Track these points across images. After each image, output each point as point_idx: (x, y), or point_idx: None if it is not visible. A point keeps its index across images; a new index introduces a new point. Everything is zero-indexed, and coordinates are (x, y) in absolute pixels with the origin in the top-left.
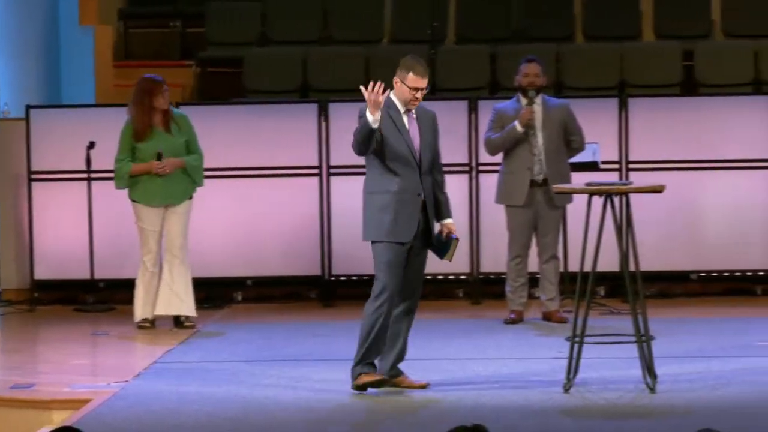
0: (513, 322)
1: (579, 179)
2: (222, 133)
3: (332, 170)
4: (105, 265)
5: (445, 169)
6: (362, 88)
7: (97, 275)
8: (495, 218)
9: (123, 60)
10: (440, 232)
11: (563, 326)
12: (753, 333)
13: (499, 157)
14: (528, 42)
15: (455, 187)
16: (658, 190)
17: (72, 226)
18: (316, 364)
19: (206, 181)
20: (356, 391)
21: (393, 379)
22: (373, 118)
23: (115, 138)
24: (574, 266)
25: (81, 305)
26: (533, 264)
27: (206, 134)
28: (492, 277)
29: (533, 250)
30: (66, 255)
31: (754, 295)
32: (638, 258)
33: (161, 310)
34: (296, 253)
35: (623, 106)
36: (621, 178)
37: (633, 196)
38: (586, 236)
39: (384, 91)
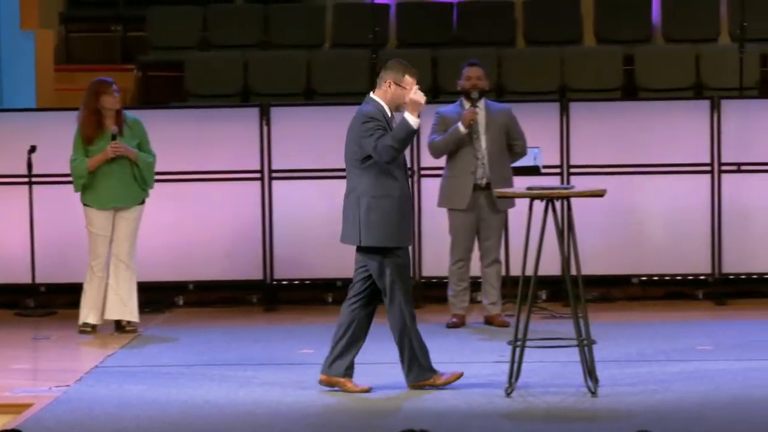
0: (455, 326)
1: (520, 183)
2: (163, 137)
3: (274, 174)
4: (46, 269)
5: None
6: (414, 88)
7: (39, 279)
8: (437, 222)
9: (64, 64)
10: None
11: (505, 330)
12: (694, 337)
13: (441, 161)
14: (469, 46)
15: None
16: (599, 194)
17: (13, 230)
18: (257, 368)
19: None
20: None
21: (341, 379)
22: (415, 120)
23: (56, 142)
24: (515, 270)
25: (22, 309)
26: (475, 268)
27: None
28: (434, 281)
29: (475, 254)
30: (7, 259)
31: (695, 299)
32: (579, 262)
33: (107, 314)
34: (238, 258)
35: (564, 111)
36: (562, 183)
37: (574, 201)
38: (527, 240)
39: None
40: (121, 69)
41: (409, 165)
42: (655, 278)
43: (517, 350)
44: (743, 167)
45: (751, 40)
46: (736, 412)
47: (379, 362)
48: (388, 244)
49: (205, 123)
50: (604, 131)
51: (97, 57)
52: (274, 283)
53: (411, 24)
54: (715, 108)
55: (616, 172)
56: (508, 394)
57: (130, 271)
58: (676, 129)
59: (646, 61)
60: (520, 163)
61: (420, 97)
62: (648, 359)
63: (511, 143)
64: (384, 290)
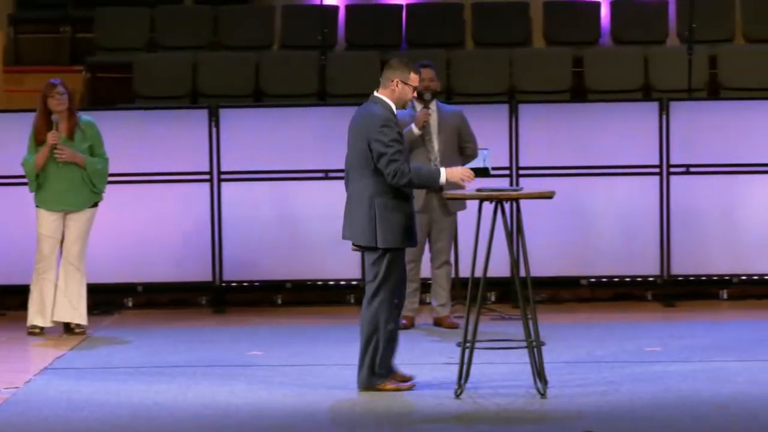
0: (404, 327)
1: (470, 185)
2: (112, 138)
3: (223, 176)
4: None
5: (335, 175)
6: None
7: None
8: None
9: (13, 65)
10: None
11: (454, 332)
12: (642, 338)
13: None
14: (418, 48)
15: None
16: (548, 196)
17: None
18: (205, 370)
19: None
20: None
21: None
22: (444, 180)
23: (5, 144)
24: (465, 272)
25: None
26: (425, 270)
27: None
28: None
29: (426, 255)
30: None
31: (644, 301)
32: (529, 263)
33: (55, 316)
34: (187, 259)
35: (513, 113)
36: (512, 184)
37: (523, 202)
38: (476, 242)
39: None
40: (70, 70)
41: None
42: (604, 280)
43: (467, 352)
44: (692, 169)
45: (700, 41)
46: (685, 413)
47: (326, 364)
48: (403, 245)
49: (153, 124)
50: (553, 133)
51: (46, 58)
52: (223, 284)
53: (360, 26)
54: (663, 110)
55: (565, 173)
56: (457, 396)
57: (80, 273)
58: (625, 131)
59: (595, 63)
60: (470, 165)
61: (463, 179)
62: (597, 360)
63: (463, 145)
64: (371, 286)
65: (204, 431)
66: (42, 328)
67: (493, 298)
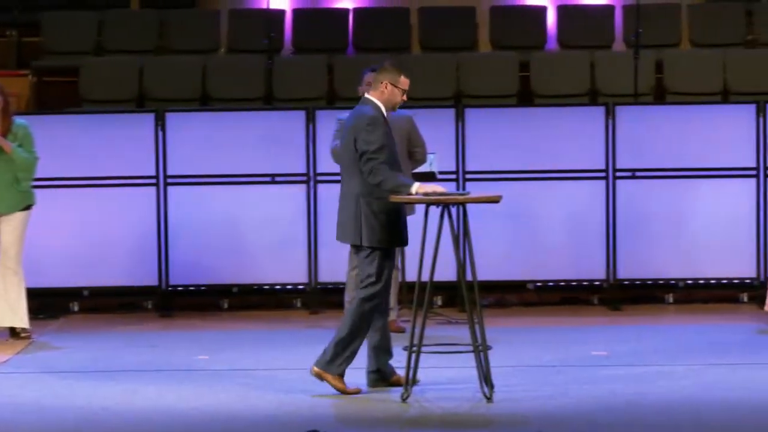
0: None
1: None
2: (58, 142)
3: (169, 180)
4: None
5: (282, 179)
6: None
7: None
8: (333, 228)
9: None
10: None
11: (401, 336)
12: (589, 342)
13: (336, 168)
14: (365, 52)
15: (292, 197)
16: (494, 200)
17: None
18: (152, 374)
19: (42, 191)
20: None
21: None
22: (416, 191)
23: None
24: (412, 276)
25: None
26: None
27: (42, 144)
28: (330, 286)
29: None
30: None
31: (590, 305)
32: (475, 267)
33: None
34: (133, 264)
35: (460, 117)
36: (458, 189)
37: (470, 206)
38: (423, 246)
39: None
40: (16, 74)
41: (304, 171)
42: (551, 284)
43: (413, 356)
44: (638, 173)
45: (646, 46)
46: (631, 417)
47: (273, 368)
48: (391, 246)
49: (100, 129)
50: (499, 137)
51: None
52: (170, 289)
53: (307, 30)
54: (609, 114)
55: (511, 178)
56: (404, 400)
57: (18, 277)
58: (572, 135)
59: (541, 68)
60: (417, 169)
61: (435, 191)
62: (543, 365)
63: (412, 150)
64: (364, 285)
65: None
66: None
67: (439, 302)
